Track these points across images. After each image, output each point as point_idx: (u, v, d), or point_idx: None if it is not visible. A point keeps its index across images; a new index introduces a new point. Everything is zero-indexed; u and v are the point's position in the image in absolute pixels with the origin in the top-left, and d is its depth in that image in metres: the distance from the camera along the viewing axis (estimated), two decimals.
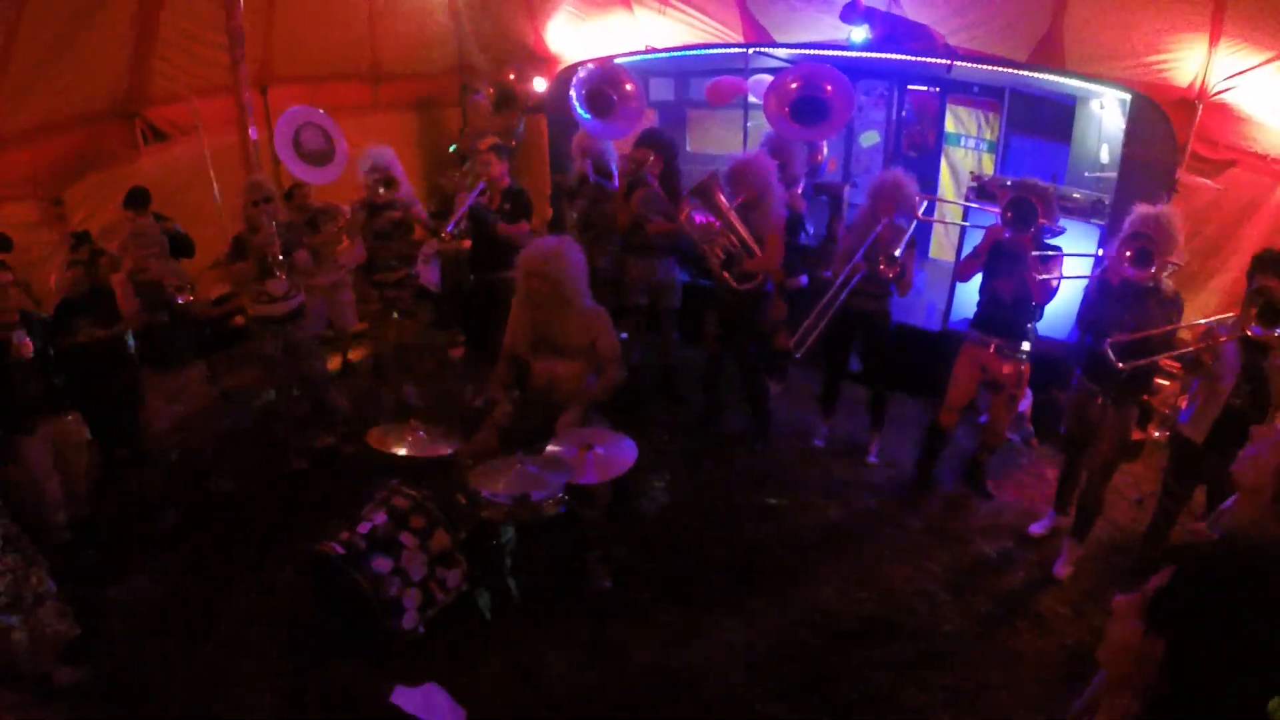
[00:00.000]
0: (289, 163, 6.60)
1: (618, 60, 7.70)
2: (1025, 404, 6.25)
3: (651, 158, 6.05)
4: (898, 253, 5.31)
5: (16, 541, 4.07)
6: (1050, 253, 4.93)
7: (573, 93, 6.74)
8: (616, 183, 6.66)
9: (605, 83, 6.86)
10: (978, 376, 5.31)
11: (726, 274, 5.55)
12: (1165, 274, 4.39)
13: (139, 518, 5.55)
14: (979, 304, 5.25)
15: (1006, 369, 5.17)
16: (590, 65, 7.11)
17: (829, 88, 6.16)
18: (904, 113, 7.66)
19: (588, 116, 6.69)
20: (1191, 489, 4.58)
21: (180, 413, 5.45)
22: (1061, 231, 5.18)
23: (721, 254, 5.55)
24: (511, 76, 7.48)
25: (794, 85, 6.23)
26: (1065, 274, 4.96)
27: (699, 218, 5.63)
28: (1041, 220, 4.83)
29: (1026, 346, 5.13)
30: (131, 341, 6.05)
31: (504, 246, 6.14)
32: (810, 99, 6.21)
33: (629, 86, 6.86)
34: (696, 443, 6.31)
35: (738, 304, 5.72)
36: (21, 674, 4.09)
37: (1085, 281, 4.94)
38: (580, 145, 6.82)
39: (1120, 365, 4.23)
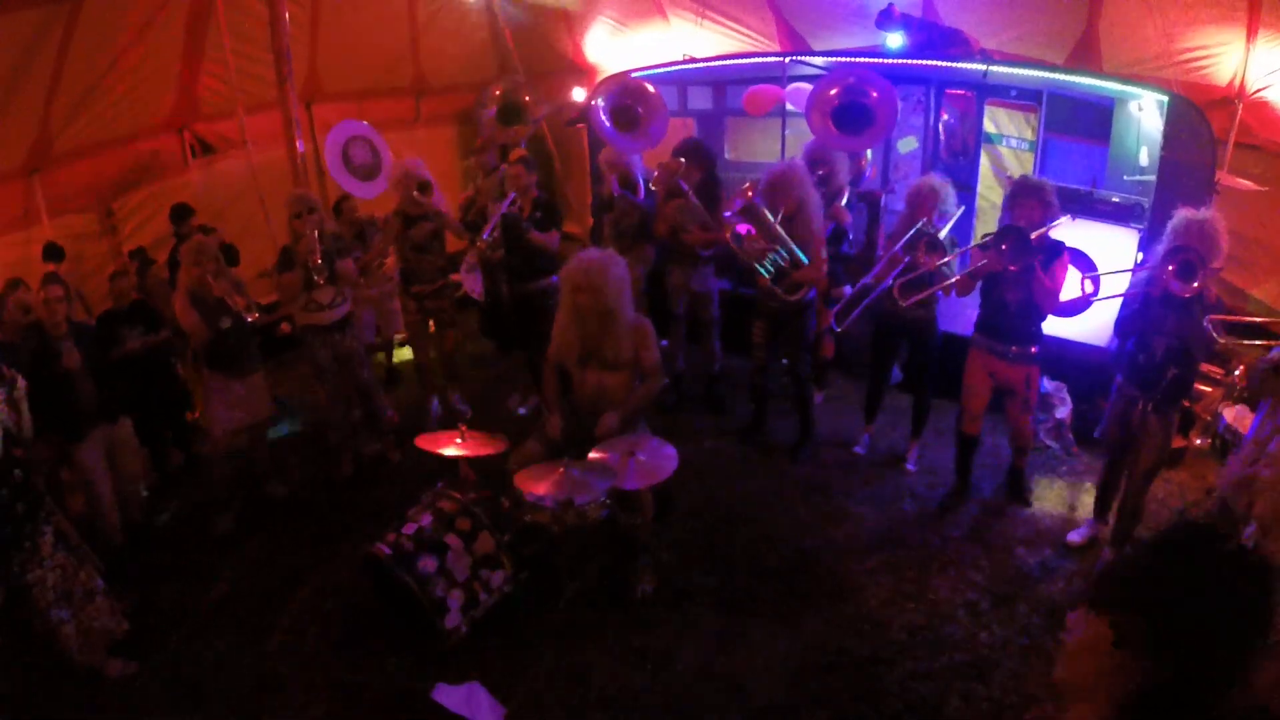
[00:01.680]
0: (339, 177, 6.74)
1: (649, 71, 7.77)
2: (1065, 412, 6.21)
3: (685, 166, 6.09)
4: (942, 235, 5.28)
5: (68, 540, 4.22)
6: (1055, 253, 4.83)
7: (599, 109, 6.83)
8: (642, 194, 6.73)
9: (629, 98, 6.93)
10: (989, 382, 5.27)
11: (777, 288, 5.59)
12: (1209, 279, 4.33)
13: (195, 521, 5.72)
14: (981, 309, 5.18)
15: (1015, 373, 5.12)
16: (612, 84, 7.18)
17: (873, 93, 6.10)
18: (946, 118, 7.64)
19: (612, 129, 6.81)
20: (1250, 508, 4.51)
21: (240, 418, 5.58)
22: (1059, 223, 5.08)
23: (771, 269, 5.58)
24: (497, 92, 7.53)
25: (834, 92, 6.17)
26: (1072, 275, 4.90)
27: (743, 232, 5.66)
28: (1036, 232, 4.76)
29: (1035, 349, 5.08)
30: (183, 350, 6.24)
31: (539, 256, 6.24)
32: (854, 105, 6.15)
33: (653, 100, 6.92)
34: (741, 451, 6.34)
35: (785, 314, 5.77)
36: (74, 667, 4.25)
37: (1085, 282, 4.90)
38: (606, 160, 6.91)
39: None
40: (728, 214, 5.86)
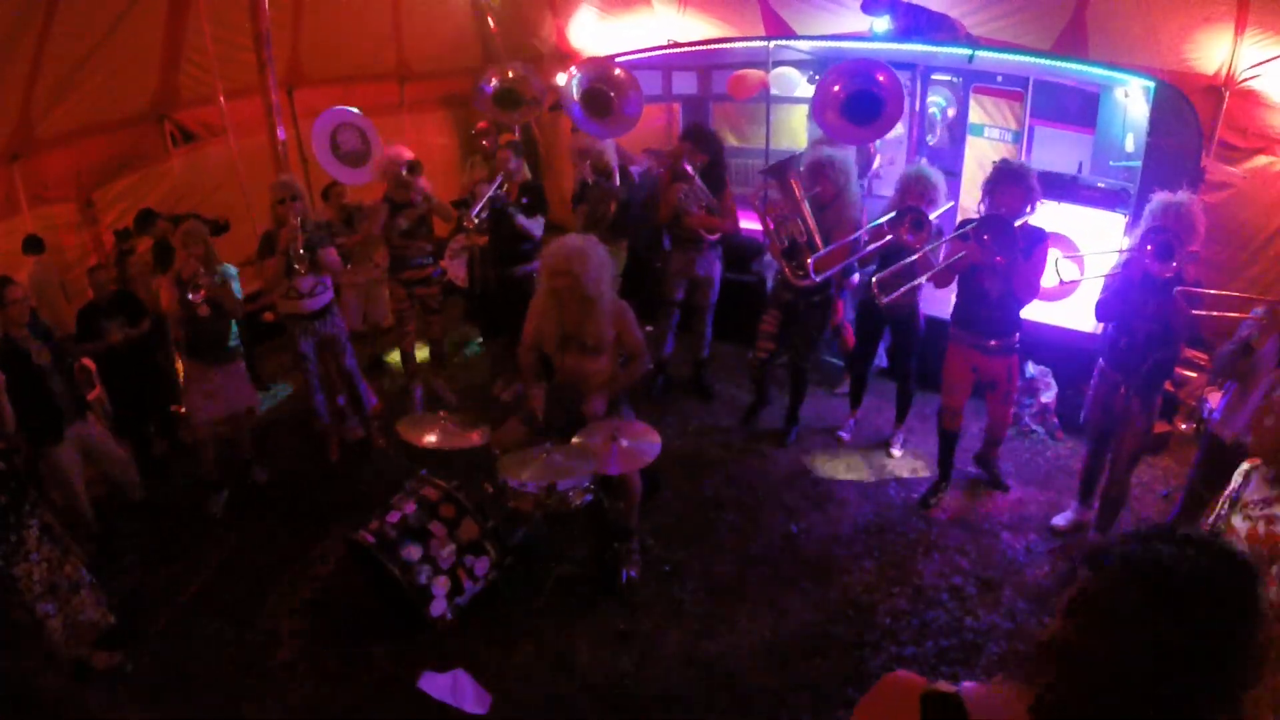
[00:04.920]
0: (326, 163, 6.68)
1: (633, 56, 7.72)
2: (1050, 396, 6.23)
3: (690, 150, 6.05)
4: (933, 216, 5.17)
5: (53, 532, 4.18)
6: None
7: (571, 93, 6.72)
8: (616, 180, 6.66)
9: (600, 82, 6.83)
10: (971, 376, 5.22)
11: (785, 264, 5.53)
12: (1186, 262, 4.35)
13: (181, 508, 5.69)
14: (958, 300, 5.07)
15: (997, 366, 5.08)
16: (579, 68, 7.04)
17: (880, 77, 5.90)
18: (955, 108, 7.60)
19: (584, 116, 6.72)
20: (1217, 487, 4.54)
21: (219, 408, 5.53)
22: (1043, 204, 5.00)
23: (785, 242, 5.52)
24: (511, 74, 7.45)
25: (838, 89, 6.00)
26: (1058, 265, 4.87)
27: (771, 199, 5.60)
28: (1019, 220, 4.67)
29: (1015, 338, 5.02)
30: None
31: (522, 242, 6.25)
32: (860, 94, 5.97)
33: (625, 83, 6.82)
34: (726, 435, 6.35)
35: (801, 308, 5.76)
36: (61, 659, 4.21)
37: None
38: (577, 148, 6.82)
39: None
40: (761, 171, 5.77)
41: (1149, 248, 4.23)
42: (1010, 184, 4.72)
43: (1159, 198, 4.38)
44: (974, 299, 4.95)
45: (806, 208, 5.41)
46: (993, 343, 5.00)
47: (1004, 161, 4.90)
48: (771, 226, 5.55)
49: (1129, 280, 4.45)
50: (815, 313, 5.81)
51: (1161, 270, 4.20)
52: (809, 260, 5.28)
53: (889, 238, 5.20)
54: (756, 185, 5.80)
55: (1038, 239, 4.77)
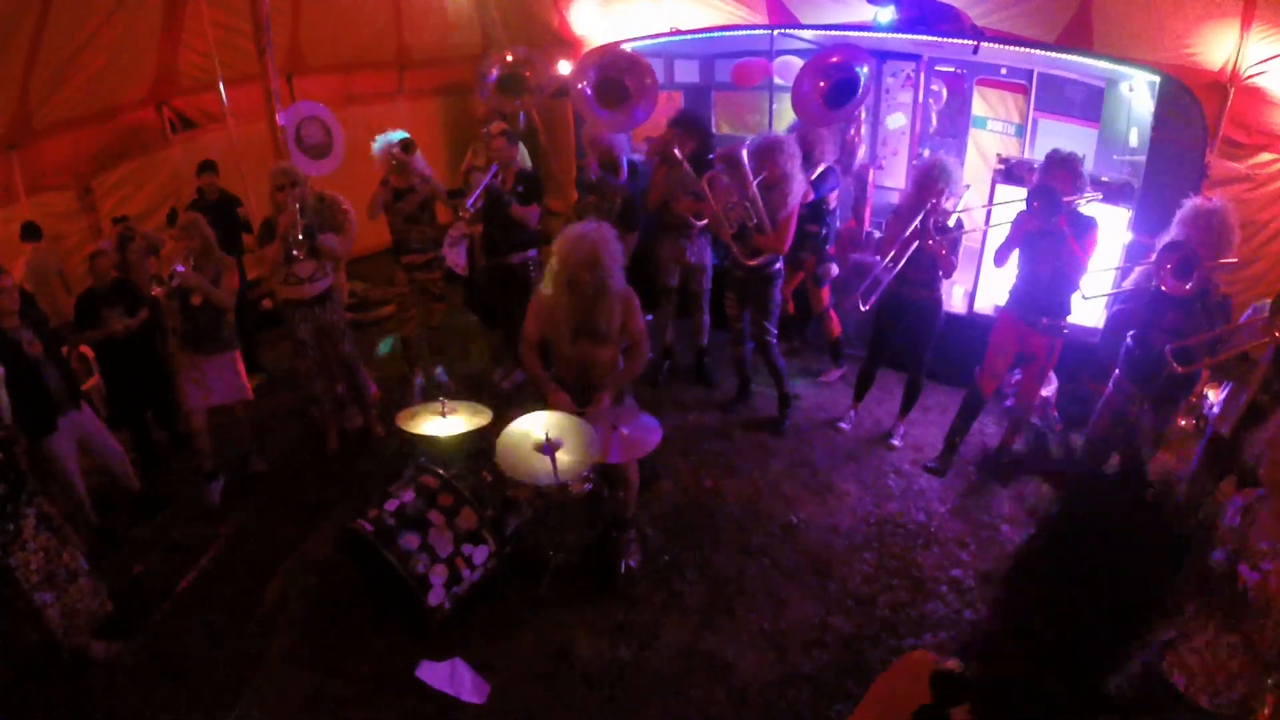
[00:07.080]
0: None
1: (636, 44, 7.65)
2: (1051, 390, 6.21)
3: (680, 137, 6.05)
4: (951, 222, 5.26)
5: (51, 521, 4.17)
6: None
7: (582, 87, 6.62)
8: (624, 175, 6.63)
9: (616, 71, 6.75)
10: (1016, 346, 5.28)
11: (735, 245, 5.63)
12: (1218, 273, 4.23)
13: (180, 496, 5.69)
14: (1016, 281, 5.17)
15: (1040, 342, 5.15)
16: (594, 58, 6.94)
17: (835, 59, 5.99)
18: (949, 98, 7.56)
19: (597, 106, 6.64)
20: (1219, 479, 4.54)
21: (205, 397, 5.49)
22: (1095, 197, 5.13)
23: (735, 225, 5.60)
24: (511, 58, 7.37)
25: (822, 84, 6.03)
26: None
27: (721, 185, 5.66)
28: (1068, 198, 4.78)
29: (1064, 320, 5.08)
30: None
31: (517, 230, 6.24)
32: (838, 84, 5.99)
33: (643, 73, 6.72)
34: (726, 425, 6.34)
35: (751, 284, 5.81)
36: (59, 649, 4.21)
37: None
38: (587, 139, 6.79)
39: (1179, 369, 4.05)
40: (712, 155, 5.83)
41: (1168, 265, 4.12)
42: (1058, 169, 4.95)
43: (1191, 204, 4.28)
44: (1029, 281, 5.06)
45: (755, 190, 5.46)
46: (1044, 320, 5.08)
47: (1054, 150, 5.10)
48: (716, 205, 5.63)
49: (1147, 291, 4.37)
50: (768, 285, 5.83)
51: (1175, 289, 4.10)
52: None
53: (916, 244, 5.25)
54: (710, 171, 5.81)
55: (1088, 226, 4.88)
